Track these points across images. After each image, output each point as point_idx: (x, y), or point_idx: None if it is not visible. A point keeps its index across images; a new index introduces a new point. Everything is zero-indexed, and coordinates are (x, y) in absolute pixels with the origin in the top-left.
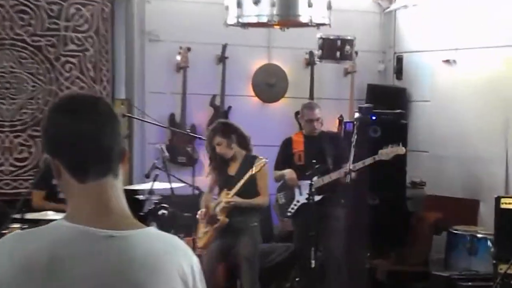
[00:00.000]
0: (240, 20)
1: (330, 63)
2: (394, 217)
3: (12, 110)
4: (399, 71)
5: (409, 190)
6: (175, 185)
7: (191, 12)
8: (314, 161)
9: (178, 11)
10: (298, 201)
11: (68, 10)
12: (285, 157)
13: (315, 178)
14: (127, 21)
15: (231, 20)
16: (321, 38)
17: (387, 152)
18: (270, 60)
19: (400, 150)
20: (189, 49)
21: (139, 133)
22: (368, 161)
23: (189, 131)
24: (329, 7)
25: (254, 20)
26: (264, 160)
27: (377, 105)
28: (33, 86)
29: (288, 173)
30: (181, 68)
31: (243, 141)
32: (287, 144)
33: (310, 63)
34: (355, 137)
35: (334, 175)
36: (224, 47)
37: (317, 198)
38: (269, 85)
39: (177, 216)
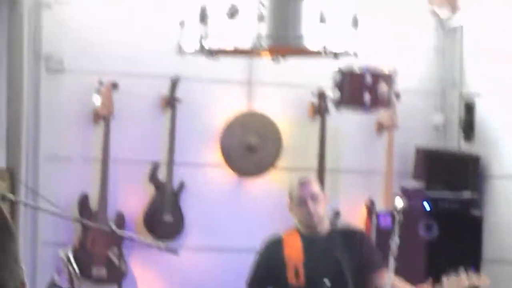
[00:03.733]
0: (205, 44)
1: (354, 112)
2: None
3: None
4: (468, 127)
5: None
6: None
7: (119, 26)
8: (326, 280)
9: (98, 23)
10: None
11: None
12: (270, 272)
13: None
14: (12, 37)
15: (189, 43)
16: (339, 71)
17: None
18: (252, 107)
19: (483, 282)
20: (114, 86)
21: (28, 227)
22: None
23: (113, 225)
24: (355, 23)
25: (228, 44)
26: None
27: (433, 183)
28: None
29: None
30: (101, 117)
31: None
32: (275, 249)
33: (319, 111)
34: (397, 239)
35: None
36: (174, 82)
37: None
38: (249, 147)
39: None
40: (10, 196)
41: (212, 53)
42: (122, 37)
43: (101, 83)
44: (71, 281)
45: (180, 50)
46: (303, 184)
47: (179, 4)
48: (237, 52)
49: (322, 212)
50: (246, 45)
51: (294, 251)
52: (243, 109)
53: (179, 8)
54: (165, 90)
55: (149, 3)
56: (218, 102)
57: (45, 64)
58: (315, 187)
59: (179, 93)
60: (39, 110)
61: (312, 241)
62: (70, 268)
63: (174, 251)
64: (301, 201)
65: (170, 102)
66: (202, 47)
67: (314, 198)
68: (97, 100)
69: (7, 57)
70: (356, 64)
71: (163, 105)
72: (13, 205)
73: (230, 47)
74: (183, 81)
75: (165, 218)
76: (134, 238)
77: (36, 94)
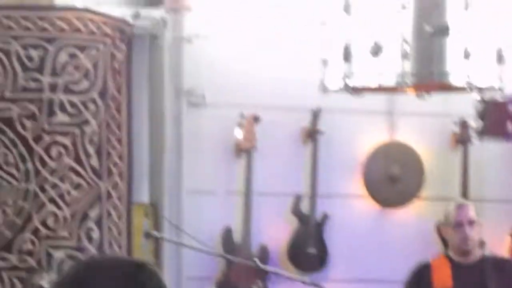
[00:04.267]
0: (349, 82)
1: (497, 141)
2: None
3: None
4: None
5: None
6: None
7: (259, 60)
8: None
9: (238, 57)
10: None
11: (56, 57)
12: None
13: None
14: (153, 73)
15: (333, 81)
16: (481, 100)
17: None
18: (393, 137)
19: None
20: (256, 119)
21: (172, 262)
22: None
23: (256, 260)
24: (500, 59)
25: (372, 82)
26: None
27: None
28: None
29: None
30: (243, 150)
31: None
32: (422, 274)
33: (462, 141)
34: None
35: None
36: (316, 115)
37: None
38: (392, 178)
39: None
40: (154, 233)
41: (356, 90)
42: (263, 70)
43: (242, 116)
44: None
45: (324, 88)
46: (460, 207)
47: (321, 39)
48: (381, 89)
49: (477, 238)
50: (390, 82)
51: (443, 277)
52: (385, 139)
53: (321, 43)
54: (306, 122)
55: (292, 38)
56: (360, 133)
57: (186, 99)
58: (472, 211)
59: (320, 125)
60: (181, 144)
61: (462, 267)
62: None
63: (318, 285)
64: (457, 224)
65: (312, 134)
66: (345, 84)
67: (470, 222)
68: (239, 134)
69: (148, 92)
70: (499, 93)
71: (304, 137)
72: (157, 241)
73: (373, 85)
74: (324, 112)
75: (308, 251)
76: (277, 273)
77: (177, 129)
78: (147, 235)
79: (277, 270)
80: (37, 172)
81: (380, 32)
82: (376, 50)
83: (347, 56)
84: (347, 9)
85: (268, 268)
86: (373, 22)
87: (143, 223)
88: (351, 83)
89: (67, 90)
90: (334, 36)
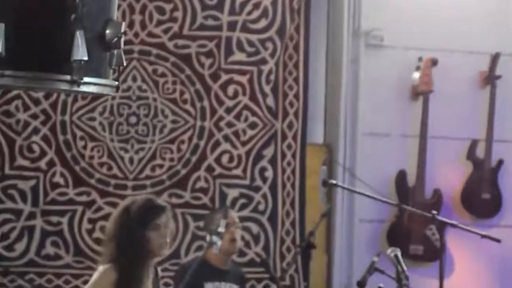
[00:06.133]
0: None
1: None
2: None
3: (139, 160)
4: None
5: None
6: None
7: (440, 1)
8: None
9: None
10: None
11: None
12: None
13: None
14: (331, 14)
15: None
16: None
17: None
18: None
19: None
20: (434, 63)
21: (345, 205)
22: None
23: (434, 213)
24: None
25: None
26: None
27: None
28: (174, 121)
29: None
30: (420, 93)
31: None
32: None
33: None
34: None
35: None
36: (495, 59)
37: None
38: None
39: None
40: (331, 181)
41: None
42: (442, 13)
43: (420, 59)
44: (399, 280)
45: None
46: None
47: None
48: None
49: None
50: None
51: None
52: None
53: None
54: (485, 66)
55: None
56: None
57: (364, 40)
58: None
59: (499, 70)
60: (358, 86)
61: None
62: (399, 268)
63: (496, 239)
64: None
65: (490, 79)
66: None
67: None
68: (416, 77)
69: (326, 33)
70: None
71: (482, 82)
72: (331, 187)
73: None
74: (504, 57)
75: (483, 196)
76: (452, 224)
77: (355, 70)
78: (324, 183)
79: (453, 222)
80: (213, 110)
81: None
82: None
83: None
84: None
85: (445, 219)
86: None
87: (321, 169)
88: None
89: (245, 28)
90: None
